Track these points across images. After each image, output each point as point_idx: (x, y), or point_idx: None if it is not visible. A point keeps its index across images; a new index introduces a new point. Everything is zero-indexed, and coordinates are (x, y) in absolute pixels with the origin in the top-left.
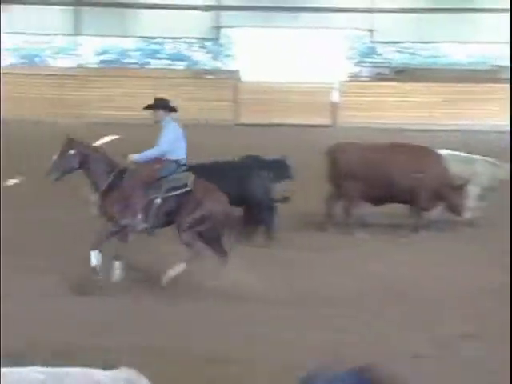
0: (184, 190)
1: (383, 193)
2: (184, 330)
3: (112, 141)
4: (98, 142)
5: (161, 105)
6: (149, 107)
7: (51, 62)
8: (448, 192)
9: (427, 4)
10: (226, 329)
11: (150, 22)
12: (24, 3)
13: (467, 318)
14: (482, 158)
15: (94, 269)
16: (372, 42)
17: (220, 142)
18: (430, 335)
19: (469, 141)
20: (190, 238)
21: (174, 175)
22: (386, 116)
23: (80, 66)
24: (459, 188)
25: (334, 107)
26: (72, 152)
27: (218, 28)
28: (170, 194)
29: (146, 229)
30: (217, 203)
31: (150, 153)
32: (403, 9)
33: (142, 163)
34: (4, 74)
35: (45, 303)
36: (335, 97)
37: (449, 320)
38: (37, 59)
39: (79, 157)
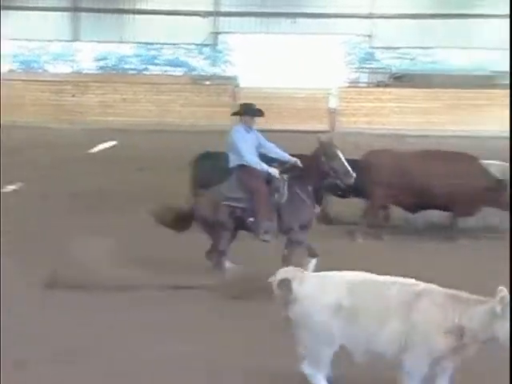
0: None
1: (420, 200)
2: None
3: (111, 147)
4: (96, 149)
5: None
6: (260, 114)
7: (49, 68)
8: (493, 194)
9: (426, 10)
10: None
11: (148, 27)
12: (22, 9)
13: None
14: (497, 162)
15: None
16: (371, 47)
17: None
18: None
19: (468, 146)
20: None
21: None
22: (384, 122)
23: (78, 72)
24: (503, 186)
25: (332, 113)
26: None
27: (216, 34)
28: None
29: None
30: None
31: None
32: (402, 14)
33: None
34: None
35: None
36: (333, 102)
37: None
38: (34, 65)
39: None
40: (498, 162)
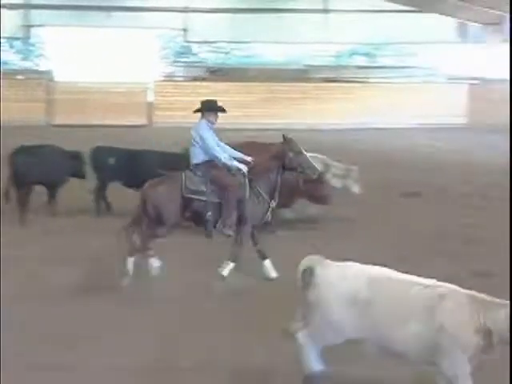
0: None
1: None
2: None
3: None
4: None
5: None
6: (223, 110)
7: None
8: (309, 186)
9: (241, 4)
10: None
11: None
12: None
13: None
14: (312, 154)
15: None
16: (186, 41)
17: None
18: None
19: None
20: None
21: None
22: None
23: None
24: (319, 179)
25: (149, 107)
26: None
27: (27, 27)
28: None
29: None
30: None
31: None
32: (217, 9)
33: None
34: None
35: None
36: (150, 97)
37: None
38: None
39: None
40: (312, 155)
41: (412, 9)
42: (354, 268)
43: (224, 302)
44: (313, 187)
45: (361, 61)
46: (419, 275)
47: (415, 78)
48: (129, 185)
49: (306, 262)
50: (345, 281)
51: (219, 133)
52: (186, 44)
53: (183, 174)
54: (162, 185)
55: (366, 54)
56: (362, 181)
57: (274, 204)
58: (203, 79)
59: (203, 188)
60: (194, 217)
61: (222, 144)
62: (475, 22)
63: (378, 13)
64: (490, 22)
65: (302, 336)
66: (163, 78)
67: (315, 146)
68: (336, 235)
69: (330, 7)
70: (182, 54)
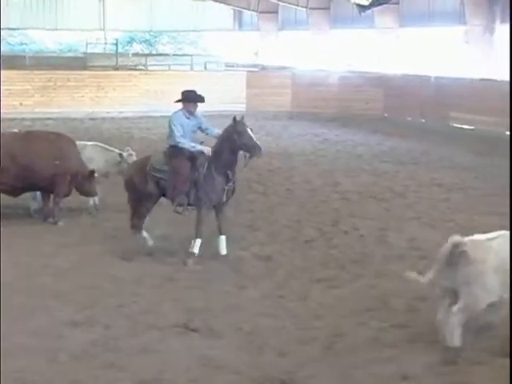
0: None
1: (24, 183)
2: None
3: None
4: None
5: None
6: (200, 100)
7: None
8: (81, 180)
9: None
10: None
11: None
12: None
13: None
14: (92, 143)
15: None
16: None
17: None
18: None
19: (64, 128)
20: None
21: None
22: None
23: None
24: (90, 173)
25: None
26: None
27: None
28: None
29: None
30: None
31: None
32: None
33: None
34: None
35: None
36: None
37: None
38: None
39: None
40: (91, 143)
41: None
42: (488, 241)
43: None
44: (83, 179)
45: (139, 48)
46: None
47: (195, 65)
48: None
49: (452, 241)
50: (490, 254)
51: None
52: None
53: (153, 156)
54: (135, 165)
55: (145, 42)
56: None
57: (231, 183)
58: None
59: (165, 168)
60: (161, 192)
61: (211, 128)
62: (251, 10)
63: None
64: (266, 10)
65: (454, 312)
66: None
67: (95, 135)
68: None
69: None
70: None
